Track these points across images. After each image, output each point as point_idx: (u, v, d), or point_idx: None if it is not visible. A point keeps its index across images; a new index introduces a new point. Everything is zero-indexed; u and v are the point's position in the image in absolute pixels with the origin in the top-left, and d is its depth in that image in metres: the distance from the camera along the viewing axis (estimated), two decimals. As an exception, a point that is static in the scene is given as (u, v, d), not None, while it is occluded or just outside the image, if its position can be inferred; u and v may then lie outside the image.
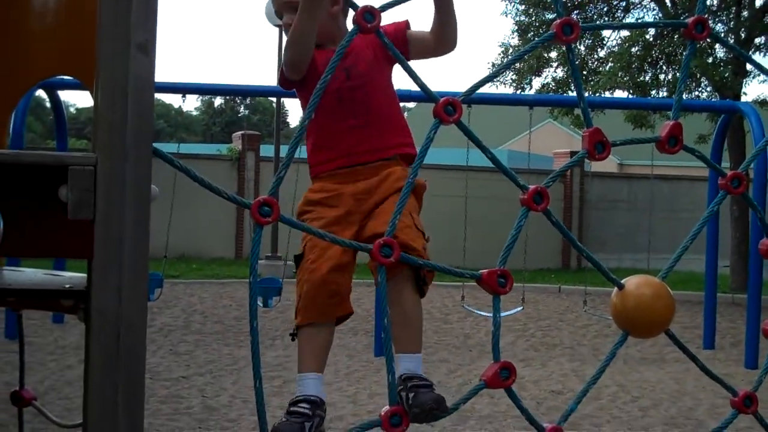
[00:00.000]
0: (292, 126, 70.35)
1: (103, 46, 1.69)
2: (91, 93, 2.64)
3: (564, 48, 2.03)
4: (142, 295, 1.67)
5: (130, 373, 1.66)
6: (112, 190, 1.65)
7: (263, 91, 13.85)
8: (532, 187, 1.97)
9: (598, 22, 16.55)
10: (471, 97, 2.29)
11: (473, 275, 1.99)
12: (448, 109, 1.92)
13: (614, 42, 17.91)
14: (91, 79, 2.55)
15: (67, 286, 2.27)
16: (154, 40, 1.70)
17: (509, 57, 18.26)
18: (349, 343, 10.04)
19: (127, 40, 1.67)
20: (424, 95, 2.00)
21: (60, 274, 2.53)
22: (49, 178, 1.69)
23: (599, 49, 18.08)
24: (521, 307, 10.28)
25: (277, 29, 16.75)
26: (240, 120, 64.16)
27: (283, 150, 17.89)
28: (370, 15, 1.94)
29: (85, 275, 2.44)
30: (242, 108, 67.46)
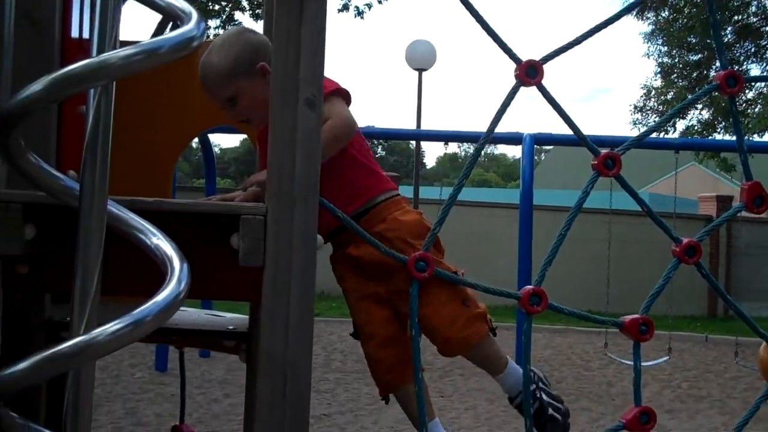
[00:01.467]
0: (428, 167, 70.84)
1: (275, 101, 1.77)
2: (251, 138, 2.77)
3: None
4: (308, 339, 1.73)
5: (295, 414, 1.71)
6: (281, 239, 1.72)
7: (404, 135, 13.99)
8: (685, 240, 1.94)
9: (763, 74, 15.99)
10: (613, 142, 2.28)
11: (615, 323, 1.98)
12: (607, 162, 1.92)
13: (763, 84, 17.32)
14: (247, 126, 2.68)
15: (230, 327, 2.37)
16: (321, 96, 1.78)
17: (651, 99, 17.86)
18: (488, 387, 9.94)
19: (296, 95, 1.75)
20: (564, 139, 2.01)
21: (221, 314, 2.65)
22: (222, 226, 1.78)
23: (747, 91, 17.51)
24: (667, 357, 9.96)
25: (416, 72, 16.94)
26: (378, 161, 64.90)
27: (424, 191, 18.03)
28: (533, 70, 1.98)
29: (244, 316, 2.55)
30: (380, 149, 68.36)
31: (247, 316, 2.51)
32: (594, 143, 2.02)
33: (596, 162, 2.00)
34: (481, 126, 11.08)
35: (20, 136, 1.39)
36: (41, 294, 2.25)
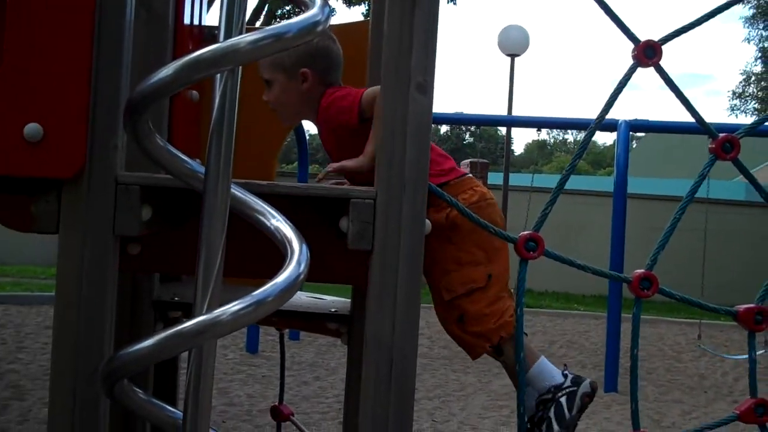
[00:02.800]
0: (516, 154, 70.23)
1: (385, 86, 1.78)
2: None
3: None
4: (414, 323, 1.74)
5: (401, 396, 1.72)
6: (390, 223, 1.73)
7: (495, 121, 13.88)
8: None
9: None
10: (722, 128, 2.21)
11: (729, 311, 1.93)
12: (726, 146, 1.88)
13: None
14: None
15: (333, 310, 2.39)
16: (432, 81, 1.78)
17: (751, 85, 17.34)
18: (576, 376, 9.84)
19: (407, 81, 1.75)
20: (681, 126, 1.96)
21: (322, 297, 2.67)
22: (332, 210, 1.80)
23: None
24: (764, 350, 9.69)
25: (508, 59, 16.80)
26: (465, 147, 64.73)
27: (512, 178, 17.89)
28: (651, 51, 1.95)
29: (346, 299, 2.57)
30: (467, 135, 68.03)
31: (347, 300, 2.53)
32: (693, 130, 1.99)
33: (714, 145, 1.96)
34: (575, 112, 10.91)
35: (149, 121, 1.43)
36: (151, 273, 2.31)
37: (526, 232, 1.95)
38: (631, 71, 1.99)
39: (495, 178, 22.23)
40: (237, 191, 1.39)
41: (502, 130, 19.95)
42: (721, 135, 1.94)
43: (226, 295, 1.35)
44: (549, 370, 2.64)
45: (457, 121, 23.77)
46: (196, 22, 2.60)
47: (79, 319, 1.64)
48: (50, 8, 1.65)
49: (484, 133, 64.30)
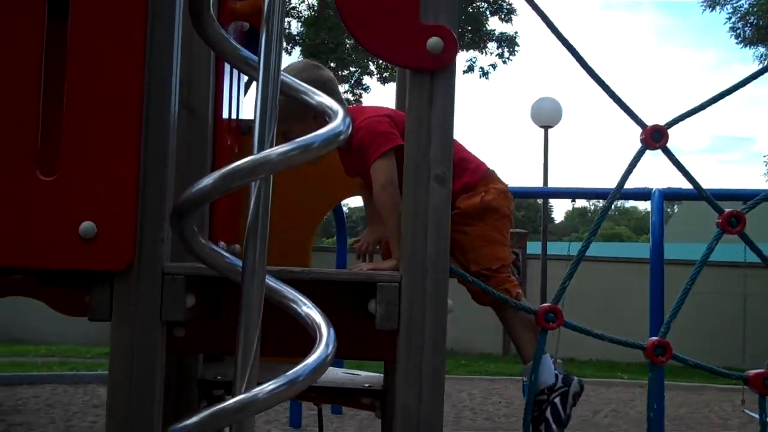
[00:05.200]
0: (556, 222, 70.07)
1: (408, 178, 1.94)
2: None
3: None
4: (440, 396, 1.87)
5: (428, 468, 1.84)
6: (414, 304, 1.87)
7: (531, 193, 13.98)
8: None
9: None
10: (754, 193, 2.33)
11: (739, 376, 2.03)
12: (731, 221, 2.01)
13: None
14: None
15: (367, 385, 2.53)
16: (450, 172, 1.94)
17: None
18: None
19: (427, 173, 1.91)
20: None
21: (356, 373, 2.81)
22: (360, 293, 1.94)
23: None
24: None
25: (542, 130, 16.99)
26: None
27: (552, 247, 17.91)
28: (658, 134, 2.10)
29: (379, 375, 2.70)
30: (507, 204, 67.95)
31: (380, 374, 2.67)
32: (724, 197, 2.12)
33: (720, 220, 2.08)
34: (609, 181, 11.00)
35: (193, 223, 1.60)
36: (195, 355, 2.47)
37: (546, 305, 2.08)
38: (640, 154, 2.13)
39: (535, 247, 22.19)
40: (271, 281, 1.54)
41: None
42: (726, 210, 2.06)
43: (263, 372, 1.50)
44: (542, 372, 2.75)
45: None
46: (233, 116, 2.80)
47: (130, 397, 1.80)
48: (102, 117, 1.84)
49: (524, 202, 64.36)
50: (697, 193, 2.17)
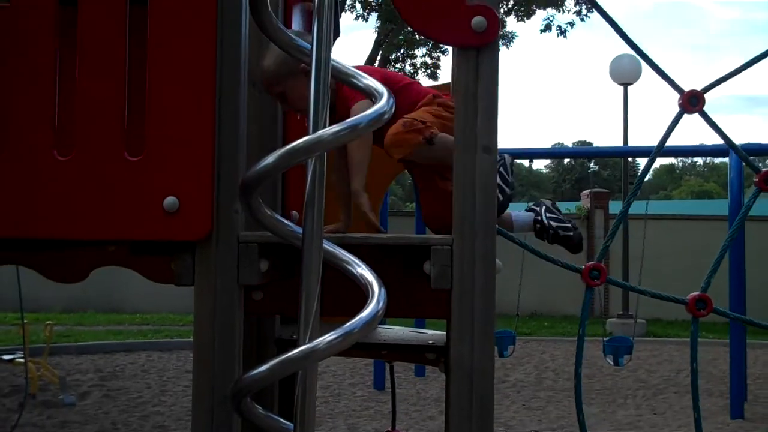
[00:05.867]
0: (645, 180, 68.65)
1: (458, 149, 2.11)
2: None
3: None
4: (490, 347, 2.05)
5: (482, 413, 2.03)
6: (465, 265, 2.05)
7: (608, 152, 13.93)
8: None
9: None
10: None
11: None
12: None
13: None
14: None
15: (430, 342, 2.72)
16: (496, 142, 2.10)
17: None
18: (703, 404, 9.78)
19: (474, 144, 2.08)
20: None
21: (423, 331, 3.00)
22: (416, 256, 2.13)
23: None
24: None
25: (621, 87, 16.83)
26: (590, 175, 63.89)
27: (636, 206, 17.75)
28: (695, 99, 2.22)
29: (442, 332, 2.89)
30: (592, 163, 67.14)
31: (440, 332, 2.86)
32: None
33: (757, 179, 2.20)
34: (690, 139, 10.86)
35: (258, 196, 1.81)
36: (272, 316, 2.70)
37: (590, 263, 2.23)
38: (678, 118, 2.26)
39: (618, 206, 21.97)
40: (328, 246, 1.74)
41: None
42: (763, 170, 2.17)
43: (323, 329, 1.70)
44: (524, 217, 2.96)
45: (575, 154, 23.77)
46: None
47: (213, 354, 2.03)
48: (180, 101, 2.05)
49: (609, 161, 63.45)
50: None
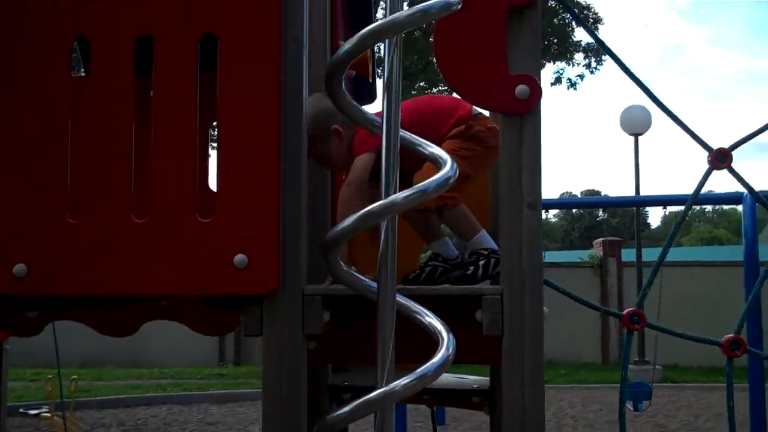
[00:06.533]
0: (653, 227, 68.97)
1: (504, 205, 2.28)
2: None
3: None
4: (540, 391, 2.20)
5: (534, 455, 2.17)
6: (515, 313, 2.21)
7: (622, 202, 14.08)
8: None
9: None
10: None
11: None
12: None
13: None
14: (485, 225, 3.20)
15: (475, 386, 2.86)
16: (540, 198, 2.26)
17: None
18: None
19: (520, 201, 2.24)
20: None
21: (465, 377, 3.15)
22: (469, 305, 2.28)
23: None
24: None
25: (632, 138, 17.04)
26: (599, 224, 64.06)
27: (649, 253, 17.85)
28: (723, 157, 2.39)
29: (485, 378, 3.03)
30: (601, 212, 67.33)
31: (485, 378, 3.00)
32: None
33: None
34: (693, 184, 10.92)
35: (338, 256, 1.99)
36: (325, 364, 2.85)
37: (630, 309, 2.38)
38: (707, 175, 2.42)
39: (631, 254, 22.02)
40: (400, 299, 1.90)
41: (634, 205, 19.99)
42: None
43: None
44: (488, 239, 2.95)
45: (588, 204, 23.94)
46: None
47: (281, 399, 2.17)
48: (247, 170, 2.23)
49: (618, 209, 63.62)
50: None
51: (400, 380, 1.78)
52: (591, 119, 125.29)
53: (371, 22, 2.16)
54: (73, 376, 9.60)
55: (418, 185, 1.91)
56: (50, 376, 9.56)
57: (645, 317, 2.31)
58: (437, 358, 1.82)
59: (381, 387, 1.78)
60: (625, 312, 2.32)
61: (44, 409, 9.42)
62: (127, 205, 2.24)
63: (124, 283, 2.24)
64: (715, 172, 2.42)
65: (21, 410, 9.41)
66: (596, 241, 22.51)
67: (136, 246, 2.23)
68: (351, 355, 2.45)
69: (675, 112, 2.50)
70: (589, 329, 19.60)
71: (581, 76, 21.14)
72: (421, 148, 2.09)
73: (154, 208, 2.24)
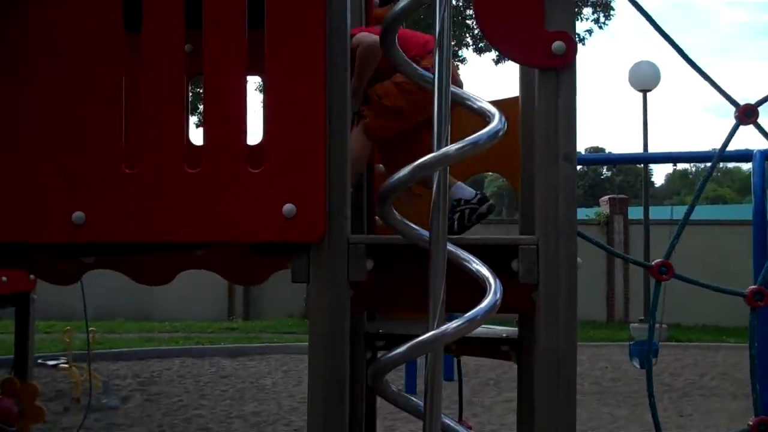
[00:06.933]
0: (657, 185, 68.98)
1: (539, 158, 2.37)
2: (515, 187, 3.37)
3: None
4: (573, 337, 2.30)
5: (567, 394, 2.28)
6: (550, 263, 2.30)
7: (630, 158, 14.13)
8: None
9: None
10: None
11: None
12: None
13: None
14: (514, 177, 3.29)
15: (504, 335, 2.97)
16: (575, 150, 2.35)
17: None
18: (728, 407, 9.98)
19: (556, 152, 2.33)
20: None
21: (493, 327, 3.26)
22: (505, 254, 2.38)
23: None
24: None
25: (641, 94, 17.04)
26: (603, 182, 64.06)
27: (654, 211, 17.92)
28: (750, 112, 2.47)
29: (512, 328, 3.14)
30: (605, 169, 67.32)
31: (512, 328, 3.12)
32: None
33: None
34: (708, 143, 10.99)
35: (391, 204, 2.08)
36: (362, 312, 2.96)
37: (659, 260, 2.48)
38: (734, 130, 2.50)
39: (636, 212, 22.15)
40: (451, 247, 2.01)
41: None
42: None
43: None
44: (463, 189, 3.32)
45: (596, 161, 23.95)
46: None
47: (327, 341, 2.28)
48: (295, 121, 2.31)
49: (623, 166, 63.55)
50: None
51: (451, 323, 1.88)
52: (599, 76, 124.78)
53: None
54: (91, 328, 9.78)
55: (469, 138, 2.00)
56: (68, 327, 9.74)
57: (673, 268, 2.40)
58: (485, 303, 1.92)
59: (433, 329, 1.89)
60: (654, 263, 2.41)
61: (62, 360, 9.61)
62: (179, 156, 2.33)
63: (178, 231, 2.34)
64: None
65: (39, 361, 9.60)
66: (602, 198, 22.60)
67: (188, 195, 2.32)
68: (389, 303, 2.56)
69: (676, 66, 2.58)
70: (595, 287, 19.76)
71: (590, 31, 21.00)
72: (470, 102, 2.17)
73: (205, 160, 2.33)
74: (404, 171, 2.01)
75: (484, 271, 2.01)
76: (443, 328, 1.88)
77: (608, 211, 20.85)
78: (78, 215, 2.30)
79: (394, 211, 2.13)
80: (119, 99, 2.34)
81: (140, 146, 2.36)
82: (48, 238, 2.40)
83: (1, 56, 2.37)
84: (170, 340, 14.94)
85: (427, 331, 1.91)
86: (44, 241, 2.43)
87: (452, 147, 1.95)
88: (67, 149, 2.33)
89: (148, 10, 2.36)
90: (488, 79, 54.51)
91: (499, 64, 21.24)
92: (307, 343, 2.34)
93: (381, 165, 3.60)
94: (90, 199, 2.32)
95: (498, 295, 1.95)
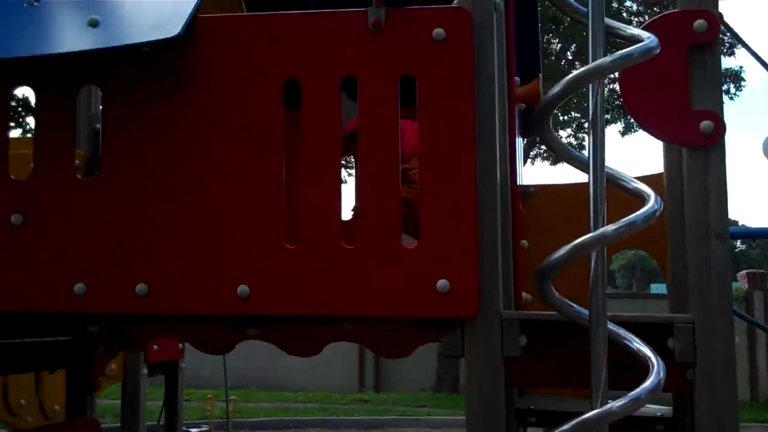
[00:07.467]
0: (797, 260, 65.89)
1: (690, 235, 2.37)
2: (661, 264, 3.36)
3: None
4: (735, 414, 2.26)
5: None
6: (706, 341, 2.29)
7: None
8: None
9: None
10: None
11: None
12: None
13: None
14: (660, 253, 3.28)
15: (659, 414, 2.94)
16: (727, 228, 2.35)
17: None
18: None
19: (708, 231, 2.34)
20: None
21: (647, 405, 3.22)
22: (660, 332, 2.37)
23: None
24: None
25: (781, 165, 16.48)
26: (737, 255, 61.82)
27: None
28: None
29: (665, 407, 3.09)
30: (739, 243, 64.90)
31: (665, 407, 3.08)
32: None
33: None
34: None
35: (551, 285, 2.14)
36: (513, 388, 2.99)
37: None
38: None
39: (776, 287, 21.26)
40: (610, 326, 2.04)
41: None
42: None
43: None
44: None
45: (733, 235, 23.16)
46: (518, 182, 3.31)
47: (483, 413, 2.32)
48: (451, 202, 2.40)
49: (759, 240, 61.05)
50: None
51: (615, 402, 1.90)
52: (731, 147, 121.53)
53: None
54: (231, 397, 10.01)
55: (626, 218, 2.04)
56: (209, 395, 10.02)
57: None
58: (649, 383, 1.93)
59: (596, 408, 1.91)
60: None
61: (204, 428, 9.87)
62: (337, 232, 2.45)
63: (336, 305, 2.44)
64: None
65: (183, 428, 9.87)
66: (740, 273, 21.82)
67: (346, 271, 2.42)
68: (543, 379, 2.58)
69: None
70: (738, 366, 18.88)
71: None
72: (623, 183, 2.22)
73: (361, 237, 2.43)
74: (562, 251, 2.07)
75: (646, 350, 2.03)
76: (608, 406, 1.91)
77: (746, 286, 20.11)
78: (242, 288, 2.44)
79: (552, 288, 2.18)
80: (281, 176, 2.48)
81: (300, 223, 2.48)
82: (213, 310, 2.54)
83: (171, 143, 2.55)
84: (305, 411, 15.12)
85: (590, 410, 1.93)
86: (211, 313, 2.57)
87: (609, 228, 2.00)
88: (235, 224, 2.48)
89: (307, 89, 2.50)
90: (615, 150, 53.90)
91: (625, 136, 21.02)
92: (439, 417, 2.38)
93: (525, 241, 3.64)
94: (254, 273, 2.45)
95: (662, 375, 1.96)
